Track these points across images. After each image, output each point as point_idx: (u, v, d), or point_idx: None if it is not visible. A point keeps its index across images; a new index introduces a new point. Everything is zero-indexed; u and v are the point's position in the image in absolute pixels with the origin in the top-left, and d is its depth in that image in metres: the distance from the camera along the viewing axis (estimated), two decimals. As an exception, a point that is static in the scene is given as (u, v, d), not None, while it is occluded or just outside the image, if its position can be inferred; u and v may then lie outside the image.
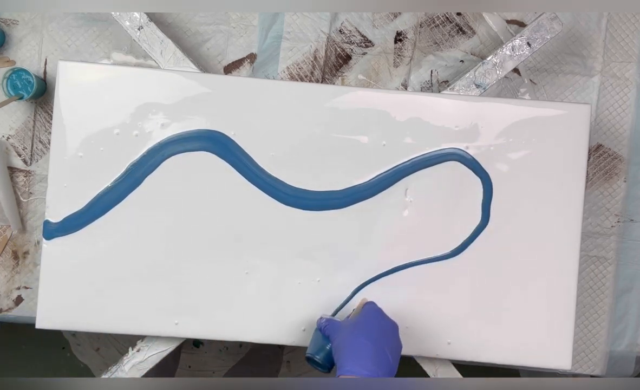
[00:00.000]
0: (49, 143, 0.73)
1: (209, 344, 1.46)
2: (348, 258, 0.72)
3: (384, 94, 0.72)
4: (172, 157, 0.71)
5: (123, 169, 0.71)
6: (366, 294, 0.71)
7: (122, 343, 1.46)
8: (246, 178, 0.71)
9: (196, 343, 1.46)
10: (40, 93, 0.80)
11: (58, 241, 0.70)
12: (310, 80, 0.82)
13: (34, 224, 0.82)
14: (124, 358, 0.73)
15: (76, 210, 0.70)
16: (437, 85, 0.83)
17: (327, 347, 0.64)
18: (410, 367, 0.73)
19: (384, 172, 0.72)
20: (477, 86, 0.74)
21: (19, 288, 0.83)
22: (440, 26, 0.83)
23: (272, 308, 0.72)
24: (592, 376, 0.85)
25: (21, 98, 0.76)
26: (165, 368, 0.84)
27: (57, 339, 1.47)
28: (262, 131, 0.71)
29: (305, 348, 0.67)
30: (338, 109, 0.71)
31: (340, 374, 0.56)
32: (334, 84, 0.83)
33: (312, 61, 0.82)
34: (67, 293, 0.70)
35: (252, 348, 1.24)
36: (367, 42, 0.83)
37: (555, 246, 0.72)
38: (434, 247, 0.72)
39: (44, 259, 0.70)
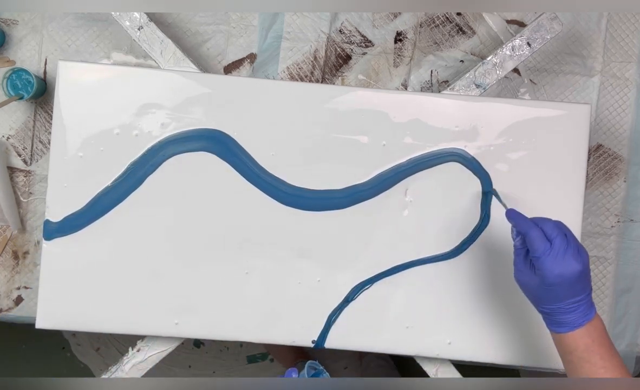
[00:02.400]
0: (49, 143, 0.73)
1: (209, 344, 1.46)
2: (348, 258, 0.72)
3: (384, 94, 0.72)
4: (173, 158, 0.71)
5: (123, 169, 0.70)
6: (366, 294, 0.72)
7: (122, 343, 1.46)
8: (246, 178, 0.71)
9: (196, 343, 1.46)
10: (40, 93, 0.80)
11: (58, 241, 0.70)
12: (310, 80, 0.82)
13: (34, 224, 0.82)
14: (124, 358, 0.73)
15: (76, 210, 0.70)
16: (437, 85, 0.83)
17: None
18: (410, 367, 0.73)
19: (384, 172, 0.72)
20: (477, 86, 0.74)
21: (19, 288, 0.83)
22: (440, 26, 0.83)
23: (272, 308, 0.72)
24: (592, 376, 0.85)
25: (21, 98, 0.76)
26: None
27: (57, 339, 1.47)
28: (262, 131, 0.71)
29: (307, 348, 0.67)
30: (338, 109, 0.71)
31: None
32: (334, 84, 0.83)
33: (312, 61, 0.82)
34: (67, 293, 0.70)
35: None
36: (367, 42, 0.83)
37: (555, 246, 0.71)
38: (434, 247, 0.72)
39: (44, 259, 0.70)
